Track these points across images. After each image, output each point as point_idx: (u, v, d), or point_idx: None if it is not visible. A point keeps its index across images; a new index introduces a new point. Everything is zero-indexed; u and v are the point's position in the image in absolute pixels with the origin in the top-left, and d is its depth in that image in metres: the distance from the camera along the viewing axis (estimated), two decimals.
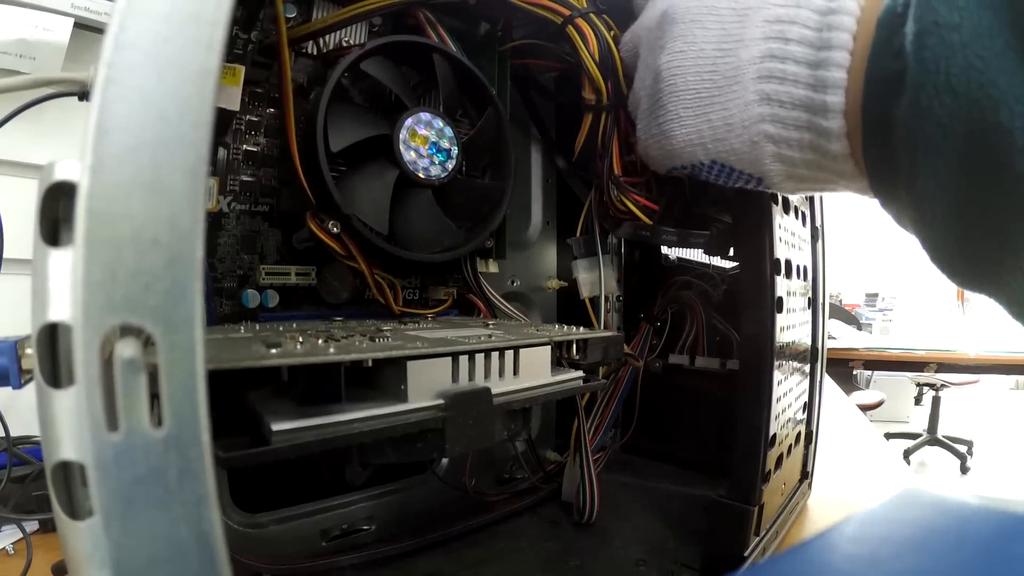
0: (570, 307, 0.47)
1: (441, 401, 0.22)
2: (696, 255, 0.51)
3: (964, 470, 2.44)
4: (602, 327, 0.41)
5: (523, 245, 0.47)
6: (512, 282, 0.46)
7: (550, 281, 0.48)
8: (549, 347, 0.26)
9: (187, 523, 0.12)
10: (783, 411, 0.35)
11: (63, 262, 0.12)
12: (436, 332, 0.27)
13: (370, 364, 0.20)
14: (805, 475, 0.44)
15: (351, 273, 0.34)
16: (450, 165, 0.33)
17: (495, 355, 0.24)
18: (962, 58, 0.17)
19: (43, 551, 0.32)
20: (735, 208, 0.36)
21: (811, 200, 0.42)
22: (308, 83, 0.34)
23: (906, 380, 2.81)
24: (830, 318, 0.97)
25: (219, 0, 0.13)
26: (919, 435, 2.56)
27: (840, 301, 3.42)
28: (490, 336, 0.26)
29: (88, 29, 0.45)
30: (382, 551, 0.34)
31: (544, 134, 0.46)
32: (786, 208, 0.36)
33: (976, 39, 0.17)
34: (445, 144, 0.33)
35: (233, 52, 0.29)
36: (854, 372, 2.49)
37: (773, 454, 0.34)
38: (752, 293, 0.33)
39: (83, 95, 0.26)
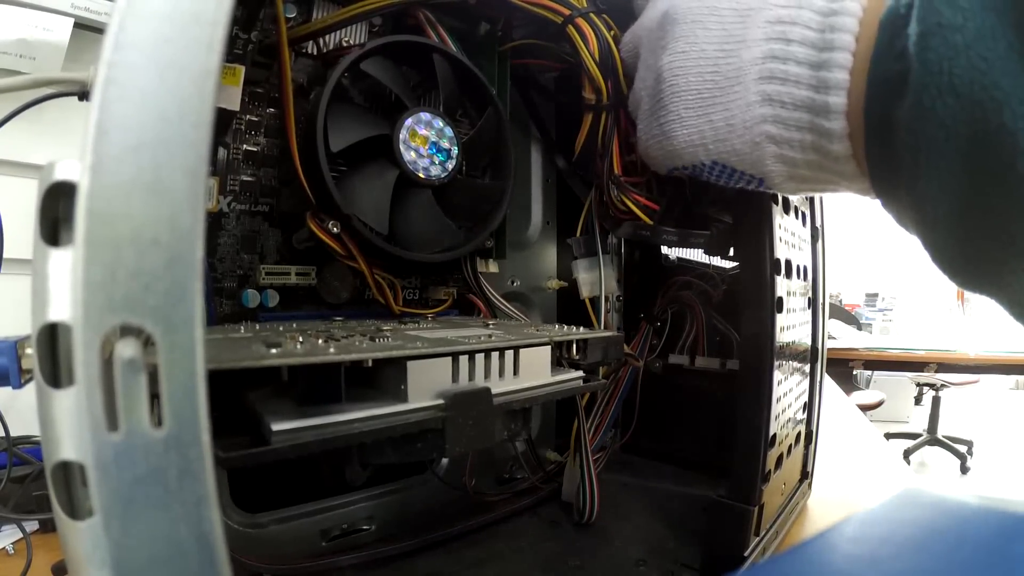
0: (570, 307, 0.47)
1: (441, 401, 0.22)
2: (696, 255, 0.51)
3: (964, 470, 2.44)
4: (602, 327, 0.41)
5: (523, 245, 0.47)
6: (512, 282, 0.46)
7: (550, 281, 0.48)
8: (549, 347, 0.26)
9: (187, 523, 0.12)
10: (783, 411, 0.35)
11: (63, 262, 0.12)
12: (436, 332, 0.27)
13: (370, 364, 0.20)
14: (805, 475, 0.44)
15: (351, 273, 0.34)
16: (450, 165, 0.33)
17: (495, 355, 0.24)
18: (965, 59, 0.17)
19: (43, 551, 0.32)
20: (735, 208, 0.36)
21: (811, 200, 0.42)
22: (308, 83, 0.34)
23: (906, 380, 2.81)
24: (830, 318, 0.97)
25: (219, 0, 0.13)
26: (919, 435, 2.56)
27: (840, 301, 3.42)
28: (490, 336, 0.26)
29: (88, 29, 0.45)
30: (382, 551, 0.34)
31: (544, 134, 0.46)
32: (786, 208, 0.36)
33: (979, 40, 0.17)
34: (445, 144, 0.33)
35: (233, 52, 0.29)
36: (854, 372, 2.49)
37: (773, 454, 0.34)
38: (752, 293, 0.33)
39: (83, 95, 0.26)
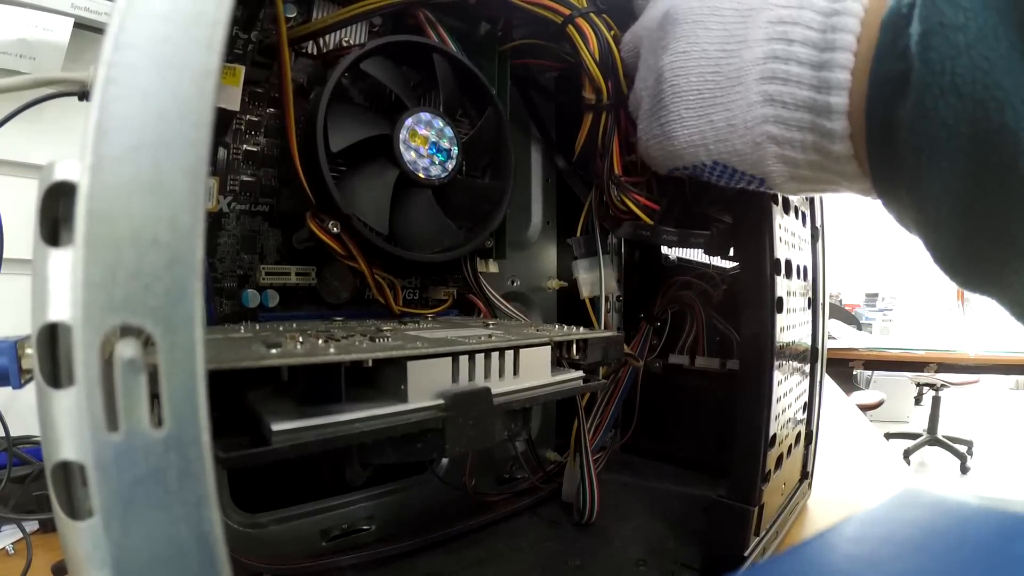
0: (570, 307, 0.47)
1: (441, 401, 0.22)
2: (696, 255, 0.51)
3: (964, 470, 2.44)
4: (602, 327, 0.41)
5: (523, 245, 0.47)
6: (512, 282, 0.46)
7: (550, 281, 0.48)
8: (549, 347, 0.26)
9: (187, 523, 0.12)
10: (783, 411, 0.35)
11: (63, 262, 0.12)
12: (436, 332, 0.27)
13: (370, 364, 0.20)
14: (805, 475, 0.44)
15: (351, 273, 0.34)
16: (450, 165, 0.33)
17: (495, 355, 0.24)
18: (967, 59, 0.17)
19: (43, 551, 0.32)
20: (735, 208, 0.36)
21: (811, 200, 0.42)
22: (308, 83, 0.34)
23: (906, 380, 2.81)
24: (830, 318, 0.97)
25: (219, 0, 0.13)
26: (919, 435, 2.56)
27: (840, 301, 3.42)
28: (490, 336, 0.26)
29: (88, 29, 0.45)
30: (382, 551, 0.34)
31: (544, 134, 0.46)
32: (786, 208, 0.36)
33: (981, 40, 0.17)
34: (445, 144, 0.33)
35: (233, 52, 0.29)
36: (854, 372, 2.49)
37: (773, 454, 0.34)
38: (752, 293, 0.33)
39: (83, 95, 0.26)
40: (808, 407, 0.42)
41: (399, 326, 0.30)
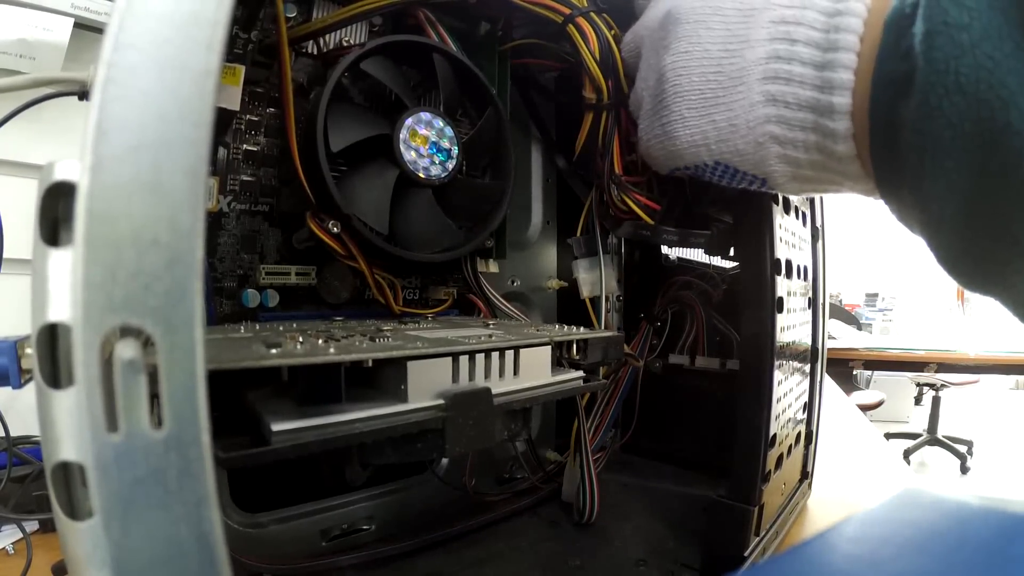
0: (570, 307, 0.47)
1: (441, 401, 0.22)
2: (696, 255, 0.51)
3: (964, 470, 2.44)
4: (602, 327, 0.41)
5: (523, 245, 0.47)
6: (512, 282, 0.46)
7: (550, 281, 0.48)
8: (549, 347, 0.26)
9: (187, 524, 0.12)
10: (783, 411, 0.35)
11: (63, 262, 0.12)
12: (436, 332, 0.27)
13: (370, 364, 0.20)
14: (805, 475, 0.44)
15: (351, 273, 0.34)
16: (450, 165, 0.33)
17: (495, 355, 0.24)
18: (972, 58, 0.17)
19: (43, 551, 0.32)
20: (735, 208, 0.36)
21: (811, 200, 0.42)
22: (308, 83, 0.34)
23: (906, 380, 2.81)
24: (830, 318, 0.97)
25: (219, 0, 0.13)
26: (919, 435, 2.56)
27: (840, 301, 3.42)
28: (490, 336, 0.26)
29: (88, 29, 0.45)
30: (382, 551, 0.34)
31: (544, 134, 0.46)
32: (786, 208, 0.36)
33: (986, 39, 0.17)
34: (445, 144, 0.33)
35: (233, 52, 0.29)
36: (854, 372, 2.49)
37: (773, 454, 0.34)
38: (752, 293, 0.33)
39: (83, 95, 0.26)
40: (808, 407, 0.42)
41: (399, 326, 0.30)
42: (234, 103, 0.29)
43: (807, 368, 0.41)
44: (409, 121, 0.31)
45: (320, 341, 0.21)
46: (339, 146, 0.29)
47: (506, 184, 0.37)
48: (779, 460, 0.35)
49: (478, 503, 0.39)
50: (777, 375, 0.33)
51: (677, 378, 0.48)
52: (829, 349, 0.47)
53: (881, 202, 0.25)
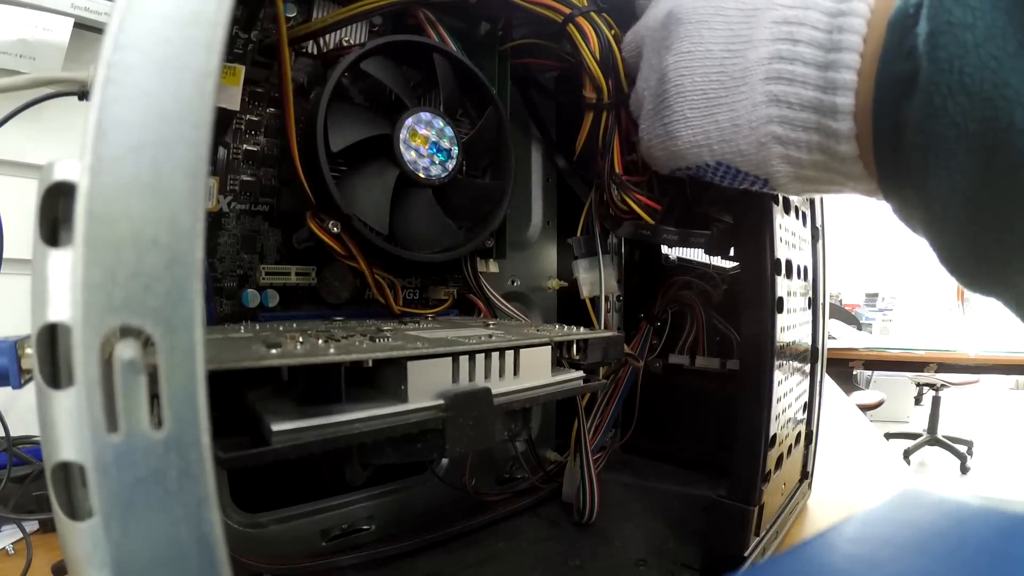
0: (570, 307, 0.47)
1: (441, 401, 0.22)
2: (696, 255, 0.51)
3: (964, 470, 2.44)
4: (602, 327, 0.41)
5: (523, 245, 0.47)
6: (512, 282, 0.46)
7: (550, 281, 0.48)
8: (549, 347, 0.26)
9: (187, 524, 0.12)
10: (783, 411, 0.35)
11: (63, 262, 0.12)
12: (436, 332, 0.27)
13: (370, 364, 0.20)
14: (805, 475, 0.44)
15: (351, 273, 0.34)
16: (450, 165, 0.33)
17: (495, 355, 0.24)
18: (976, 57, 0.17)
19: (43, 551, 0.32)
20: (736, 208, 0.36)
21: (811, 200, 0.42)
22: (308, 83, 0.34)
23: (906, 380, 2.81)
24: (830, 318, 0.97)
25: (219, 0, 0.13)
26: (919, 435, 2.56)
27: (840, 301, 3.42)
28: (490, 336, 0.26)
29: (88, 29, 0.45)
30: (382, 551, 0.34)
31: (544, 134, 0.46)
32: (786, 208, 0.36)
33: (990, 39, 0.17)
34: (445, 144, 0.33)
35: (233, 52, 0.29)
36: (854, 372, 2.49)
37: (773, 454, 0.34)
38: (752, 293, 0.33)
39: (83, 95, 0.26)
40: (808, 407, 0.42)
41: (399, 326, 0.30)
42: (234, 103, 0.29)
43: (807, 368, 0.41)
44: (409, 121, 0.31)
45: (320, 341, 0.21)
46: (339, 146, 0.29)
47: (506, 184, 0.37)
48: (779, 460, 0.35)
49: (478, 503, 0.39)
50: (777, 375, 0.33)
51: (677, 378, 0.48)
52: (829, 349, 0.47)
53: (882, 202, 0.24)
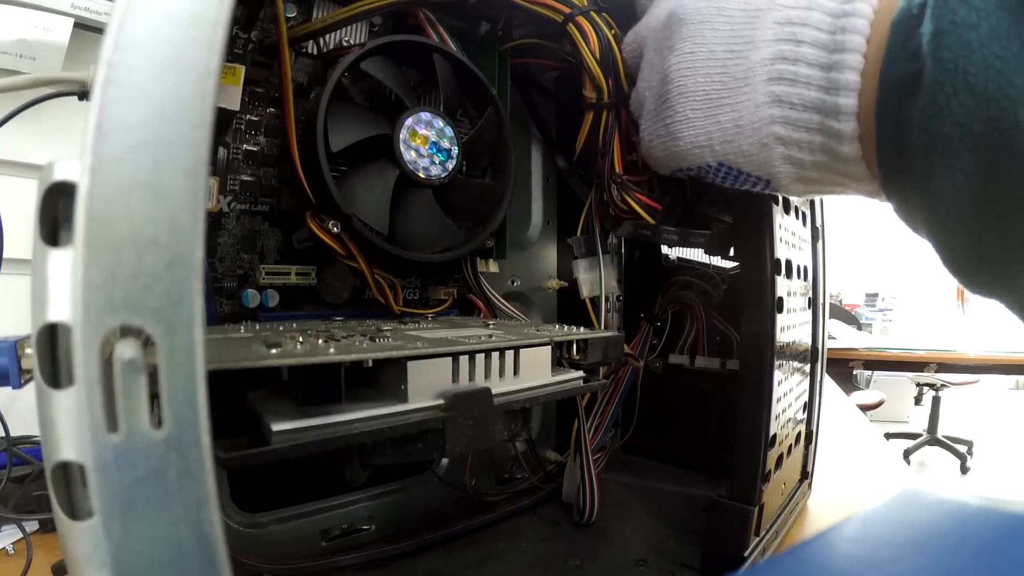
0: (570, 307, 0.47)
1: (441, 401, 0.22)
2: (696, 255, 0.51)
3: (964, 470, 2.44)
4: (602, 327, 0.41)
5: (523, 245, 0.47)
6: (512, 282, 0.46)
7: (550, 281, 0.48)
8: (549, 347, 0.26)
9: (187, 524, 0.12)
10: (783, 411, 0.35)
11: (63, 262, 0.12)
12: (436, 332, 0.27)
13: (370, 364, 0.20)
14: (805, 475, 0.44)
15: (351, 273, 0.34)
16: (450, 165, 0.33)
17: (495, 355, 0.24)
18: (980, 57, 0.17)
19: (43, 551, 0.32)
20: (736, 208, 0.36)
21: (811, 200, 0.42)
22: (308, 83, 0.34)
23: (906, 380, 2.81)
24: (830, 318, 0.97)
25: (220, 0, 0.13)
26: (919, 435, 2.56)
27: (840, 301, 3.42)
28: (490, 336, 0.26)
29: (88, 29, 0.45)
30: (382, 551, 0.34)
31: (544, 134, 0.46)
32: (786, 208, 0.36)
33: (994, 39, 0.17)
34: (445, 144, 0.33)
35: (233, 52, 0.29)
36: (854, 372, 2.49)
37: (773, 454, 0.34)
38: (752, 293, 0.33)
39: (83, 95, 0.26)
40: (808, 407, 0.42)
41: (399, 326, 0.30)
42: (234, 103, 0.29)
43: (807, 368, 0.41)
44: (409, 121, 0.31)
45: (320, 341, 0.21)
46: (339, 146, 0.29)
47: (506, 184, 0.37)
48: (779, 460, 0.35)
49: (478, 503, 0.39)
50: (777, 375, 0.33)
51: (677, 378, 0.48)
52: (829, 349, 0.47)
53: (882, 203, 0.24)
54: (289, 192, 0.33)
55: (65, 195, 0.12)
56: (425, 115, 0.32)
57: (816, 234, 0.42)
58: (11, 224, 0.29)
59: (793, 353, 0.37)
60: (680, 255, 0.51)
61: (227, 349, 0.18)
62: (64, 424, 0.12)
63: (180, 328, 0.12)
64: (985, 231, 0.19)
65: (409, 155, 0.32)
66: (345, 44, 0.35)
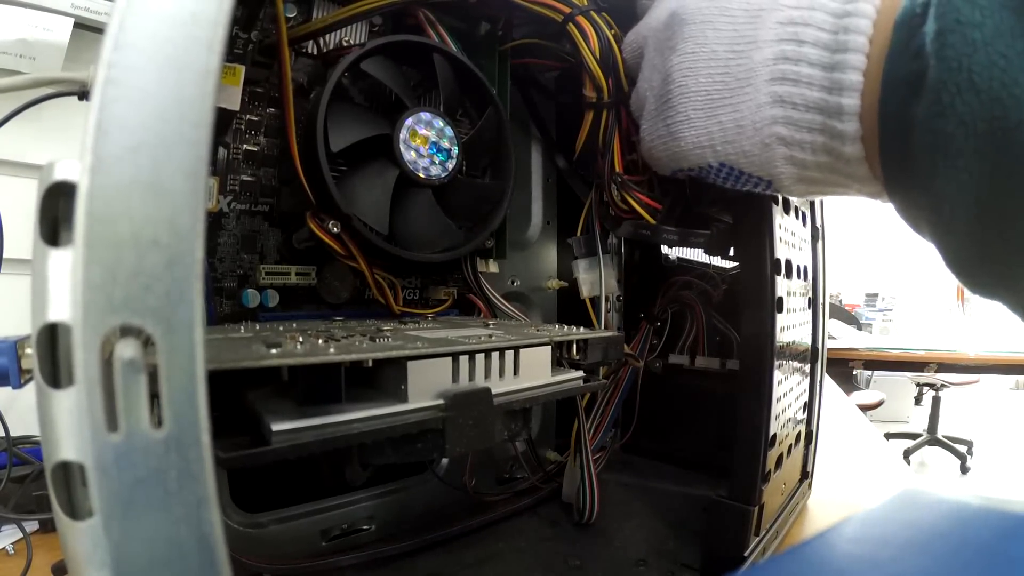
0: (570, 307, 0.47)
1: (441, 401, 0.22)
2: (696, 255, 0.51)
3: (964, 470, 2.44)
4: (602, 327, 0.41)
5: (523, 245, 0.47)
6: (512, 282, 0.46)
7: (550, 281, 0.48)
8: (549, 347, 0.26)
9: (187, 524, 0.12)
10: (783, 411, 0.35)
11: (63, 262, 0.12)
12: (436, 332, 0.27)
13: (370, 364, 0.20)
14: (805, 475, 0.44)
15: (351, 273, 0.34)
16: (450, 165, 0.33)
17: (495, 355, 0.24)
18: (984, 56, 0.17)
19: (43, 551, 0.32)
20: (735, 208, 0.36)
21: (811, 200, 0.42)
22: (308, 83, 0.34)
23: (906, 380, 2.81)
24: (830, 318, 0.97)
25: (220, 0, 0.13)
26: (919, 435, 2.56)
27: (840, 301, 3.42)
28: (490, 336, 0.26)
29: (88, 29, 0.45)
30: (382, 551, 0.34)
31: (544, 134, 0.46)
32: (786, 208, 0.36)
33: (998, 37, 0.17)
34: (445, 144, 0.33)
35: (233, 52, 0.29)
36: (854, 372, 2.49)
37: (773, 454, 0.34)
38: (752, 293, 0.33)
39: (83, 95, 0.26)
40: (808, 407, 0.42)
41: (399, 326, 0.30)
42: (234, 103, 0.29)
43: (807, 368, 0.41)
44: (409, 121, 0.31)
45: (320, 341, 0.21)
46: (339, 146, 0.29)
47: (506, 184, 0.37)
48: (779, 460, 0.35)
49: (478, 503, 0.39)
50: (777, 375, 0.33)
51: (677, 378, 0.48)
52: (829, 349, 0.47)
53: (885, 204, 0.24)
54: (289, 192, 0.33)
55: (65, 195, 0.12)
56: (425, 115, 0.32)
57: (816, 234, 0.42)
58: (11, 224, 0.29)
59: (793, 353, 0.37)
60: (680, 255, 0.51)
61: (227, 349, 0.18)
62: (64, 424, 0.12)
63: (180, 328, 0.12)
64: (988, 232, 0.19)
65: (409, 155, 0.32)
66: (345, 44, 0.35)
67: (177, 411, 0.12)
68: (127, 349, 0.12)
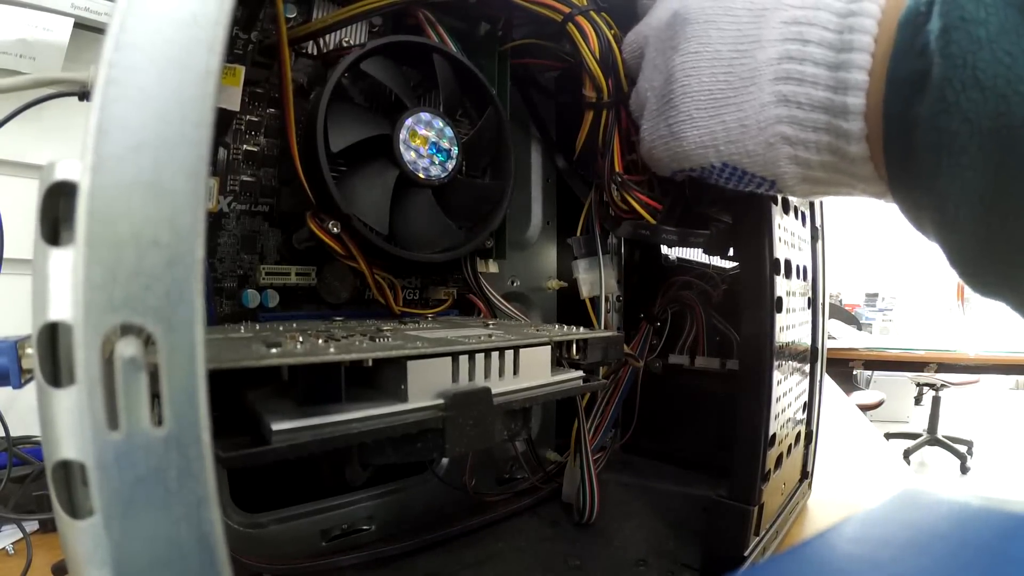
0: (570, 307, 0.47)
1: (441, 401, 0.22)
2: (696, 255, 0.51)
3: (964, 470, 2.44)
4: (602, 327, 0.41)
5: (523, 245, 0.47)
6: (512, 282, 0.46)
7: (550, 281, 0.48)
8: (549, 347, 0.26)
9: (188, 524, 0.12)
10: (783, 411, 0.35)
11: (63, 262, 0.12)
12: (436, 332, 0.27)
13: (370, 364, 0.20)
14: (805, 475, 0.44)
15: (351, 273, 0.34)
16: (450, 165, 0.33)
17: (495, 355, 0.24)
18: (989, 53, 0.17)
19: (43, 551, 0.32)
20: (735, 208, 0.36)
21: (811, 201, 0.42)
22: (308, 83, 0.34)
23: (906, 380, 2.81)
24: (830, 318, 0.97)
25: (220, 0, 0.13)
26: (919, 435, 2.56)
27: (840, 301, 3.42)
28: (490, 336, 0.26)
29: (88, 29, 0.45)
30: (382, 551, 0.34)
31: (544, 134, 0.46)
32: (786, 208, 0.36)
33: (1003, 34, 0.17)
34: (445, 144, 0.33)
35: (233, 52, 0.29)
36: (854, 372, 2.49)
37: (773, 454, 0.34)
38: (752, 293, 0.33)
39: (83, 95, 0.26)
40: (808, 407, 0.42)
41: (399, 326, 0.30)
42: (234, 103, 0.29)
43: (807, 368, 0.41)
44: (409, 121, 0.32)
45: (320, 341, 0.21)
46: (339, 146, 0.29)
47: (506, 184, 0.37)
48: (779, 460, 0.35)
49: (478, 503, 0.39)
50: (777, 375, 0.33)
51: (677, 378, 0.48)
52: (829, 349, 0.47)
53: (888, 204, 0.24)
54: (289, 192, 0.33)
55: (66, 195, 0.12)
56: (425, 115, 0.32)
57: (816, 234, 0.42)
58: (11, 224, 0.29)
59: (793, 353, 0.37)
60: (680, 255, 0.51)
61: (227, 349, 0.18)
62: (65, 423, 0.12)
63: (180, 327, 0.12)
64: (992, 231, 0.19)
65: (409, 155, 0.32)
66: (345, 44, 0.35)
67: (177, 410, 0.12)
68: (128, 348, 0.12)
